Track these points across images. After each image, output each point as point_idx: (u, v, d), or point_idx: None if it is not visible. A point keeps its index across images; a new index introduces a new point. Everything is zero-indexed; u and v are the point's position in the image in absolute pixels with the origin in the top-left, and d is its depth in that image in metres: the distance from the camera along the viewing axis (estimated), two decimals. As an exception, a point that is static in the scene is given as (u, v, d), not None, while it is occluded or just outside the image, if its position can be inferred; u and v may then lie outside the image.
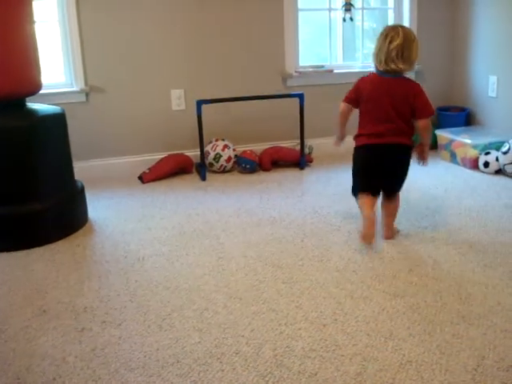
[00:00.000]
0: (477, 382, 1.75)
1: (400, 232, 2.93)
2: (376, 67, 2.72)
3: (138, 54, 4.03)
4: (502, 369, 1.80)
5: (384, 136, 2.69)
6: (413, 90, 2.67)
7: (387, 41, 2.63)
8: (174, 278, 2.50)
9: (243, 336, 2.03)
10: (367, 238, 2.71)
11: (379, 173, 2.76)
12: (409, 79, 2.74)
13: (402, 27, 2.71)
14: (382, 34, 2.68)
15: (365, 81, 2.79)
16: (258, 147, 4.31)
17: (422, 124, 2.71)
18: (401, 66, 2.63)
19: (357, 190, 2.83)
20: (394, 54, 2.61)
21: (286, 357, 1.90)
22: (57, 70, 3.99)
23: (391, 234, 2.87)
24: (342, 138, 2.96)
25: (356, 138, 2.83)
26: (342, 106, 2.86)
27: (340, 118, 2.90)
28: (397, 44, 2.61)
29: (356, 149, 2.84)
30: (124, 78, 4.04)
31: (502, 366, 1.82)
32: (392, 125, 2.68)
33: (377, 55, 2.69)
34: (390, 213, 2.86)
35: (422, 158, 2.84)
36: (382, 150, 2.72)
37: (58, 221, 2.99)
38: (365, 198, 2.76)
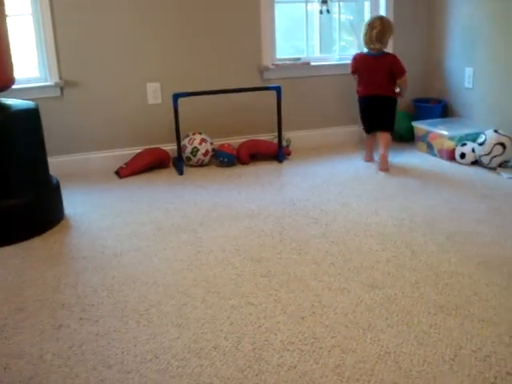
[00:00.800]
0: (454, 371, 1.76)
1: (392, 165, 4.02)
2: (365, 47, 4.07)
3: (113, 47, 3.98)
4: (479, 359, 1.82)
5: (371, 91, 4.04)
6: (391, 61, 3.99)
7: (370, 28, 3.95)
8: (152, 273, 2.49)
9: (222, 330, 2.02)
10: (367, 160, 4.18)
11: (371, 114, 4.11)
12: (387, 53, 4.06)
13: (382, 18, 4.02)
14: (368, 22, 4.01)
15: (357, 58, 4.13)
16: (236, 140, 4.29)
17: (399, 81, 4.02)
18: (378, 46, 3.96)
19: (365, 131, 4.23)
20: (374, 37, 3.94)
21: (265, 350, 1.90)
22: (30, 64, 3.93)
23: (385, 166, 3.94)
24: None
25: (357, 93, 4.17)
26: (353, 76, 4.23)
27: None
28: (376, 31, 3.92)
29: (358, 99, 4.18)
30: (99, 71, 3.99)
31: (480, 356, 1.83)
32: (376, 84, 4.00)
33: (364, 38, 4.00)
34: (383, 144, 4.00)
35: (401, 96, 4.13)
36: (371, 99, 4.07)
37: (33, 217, 2.95)
38: (366, 139, 4.22)
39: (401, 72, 3.98)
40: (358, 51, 4.35)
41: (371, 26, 3.94)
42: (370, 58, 4.03)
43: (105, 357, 1.90)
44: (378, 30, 3.91)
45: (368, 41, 3.97)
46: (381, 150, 3.99)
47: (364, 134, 4.26)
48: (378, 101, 4.04)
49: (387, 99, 4.03)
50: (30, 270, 2.56)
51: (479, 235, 2.78)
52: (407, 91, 4.19)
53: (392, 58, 4.02)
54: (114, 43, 3.98)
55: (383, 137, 4.05)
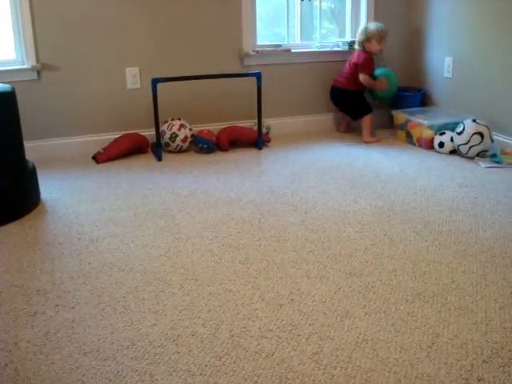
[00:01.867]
0: (431, 359, 1.77)
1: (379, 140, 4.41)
2: None
3: (91, 30, 3.91)
4: (456, 346, 1.83)
5: (337, 82, 4.50)
6: (360, 55, 4.38)
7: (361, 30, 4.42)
8: (129, 259, 2.46)
9: (199, 317, 2.01)
10: (339, 131, 4.74)
11: (336, 104, 4.63)
12: (362, 51, 4.40)
13: (368, 25, 4.41)
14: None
15: None
16: (215, 127, 4.27)
17: (360, 77, 4.38)
18: (356, 46, 4.39)
19: None
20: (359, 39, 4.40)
21: (243, 337, 1.89)
22: (7, 46, 3.85)
23: (366, 139, 4.40)
24: None
25: None
26: None
27: None
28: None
29: None
30: (77, 55, 3.92)
31: (456, 344, 1.84)
32: (343, 75, 4.45)
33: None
34: (363, 128, 4.43)
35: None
36: (334, 89, 4.54)
37: (8, 202, 2.90)
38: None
39: (361, 68, 4.35)
40: (340, 39, 4.76)
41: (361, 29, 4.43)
42: (354, 51, 4.47)
43: (80, 344, 1.87)
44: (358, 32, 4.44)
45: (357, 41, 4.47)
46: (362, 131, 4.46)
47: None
48: (339, 92, 4.48)
49: (347, 92, 4.43)
50: (5, 255, 2.52)
51: (456, 224, 2.80)
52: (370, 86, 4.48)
53: (363, 53, 4.39)
54: (92, 27, 3.91)
55: (362, 124, 4.45)
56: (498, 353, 1.80)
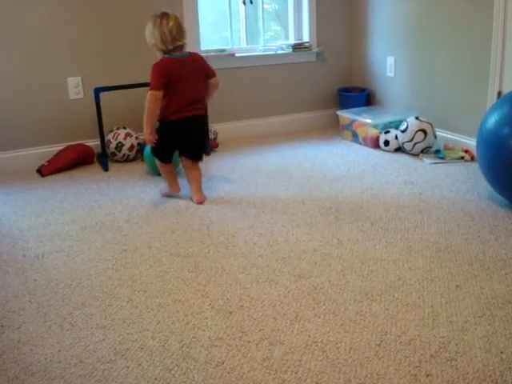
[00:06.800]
0: (380, 357, 1.79)
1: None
2: (163, 51, 3.01)
3: (30, 39, 3.82)
4: (403, 343, 1.86)
5: (190, 111, 3.08)
6: (201, 59, 3.15)
7: (164, 23, 2.95)
8: (76, 274, 2.41)
9: (148, 330, 1.98)
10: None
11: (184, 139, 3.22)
12: (191, 52, 3.15)
13: (166, 13, 3.00)
14: (153, 21, 2.98)
15: (166, 66, 3.00)
16: (162, 134, 4.22)
17: (214, 81, 3.20)
18: (184, 41, 3.02)
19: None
20: (174, 32, 2.95)
21: (193, 347, 1.87)
22: None
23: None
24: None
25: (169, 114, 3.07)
26: (156, 94, 2.99)
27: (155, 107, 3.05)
28: (172, 24, 2.95)
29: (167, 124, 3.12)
30: (17, 66, 3.82)
31: (404, 340, 1.87)
32: (198, 97, 3.12)
33: (162, 38, 2.96)
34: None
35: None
36: (187, 122, 3.10)
37: None
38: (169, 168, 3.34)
39: (213, 70, 3.19)
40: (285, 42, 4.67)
41: (162, 21, 2.95)
42: (181, 62, 3.03)
43: (27, 364, 1.83)
44: (174, 23, 2.97)
45: (172, 38, 2.96)
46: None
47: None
48: (191, 122, 3.11)
49: (203, 119, 3.29)
50: None
51: (402, 221, 2.84)
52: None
53: (200, 55, 3.19)
54: (32, 35, 3.82)
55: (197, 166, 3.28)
56: (445, 347, 1.83)
